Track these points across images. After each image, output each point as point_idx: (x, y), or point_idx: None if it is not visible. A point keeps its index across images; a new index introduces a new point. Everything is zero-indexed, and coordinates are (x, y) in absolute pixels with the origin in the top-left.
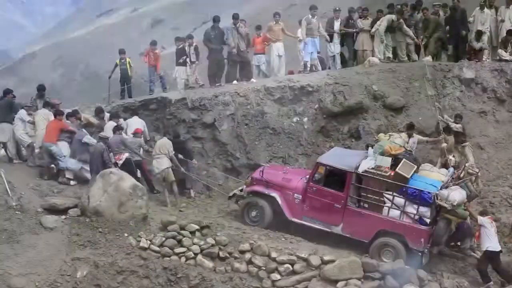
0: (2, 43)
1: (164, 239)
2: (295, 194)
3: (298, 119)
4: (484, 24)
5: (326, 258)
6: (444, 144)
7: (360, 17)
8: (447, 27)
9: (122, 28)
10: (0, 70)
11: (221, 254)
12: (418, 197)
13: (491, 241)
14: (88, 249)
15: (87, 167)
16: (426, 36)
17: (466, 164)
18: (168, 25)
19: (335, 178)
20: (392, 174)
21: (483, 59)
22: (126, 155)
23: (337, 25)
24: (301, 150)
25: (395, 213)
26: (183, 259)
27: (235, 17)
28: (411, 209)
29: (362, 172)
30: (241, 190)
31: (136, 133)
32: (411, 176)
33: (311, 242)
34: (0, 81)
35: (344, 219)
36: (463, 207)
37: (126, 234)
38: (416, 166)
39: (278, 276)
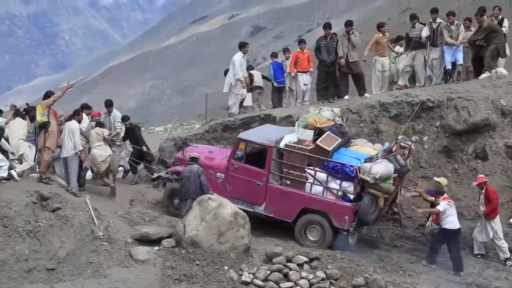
0: (85, 53)
1: (268, 272)
2: (218, 173)
3: (418, 138)
4: None
5: None
6: None
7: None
8: None
9: (218, 36)
10: (83, 83)
11: None
12: (340, 171)
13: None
14: (184, 284)
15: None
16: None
17: (399, 137)
18: (269, 34)
19: (257, 154)
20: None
21: None
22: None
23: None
24: (421, 172)
25: (317, 189)
26: None
27: (348, 24)
28: (334, 184)
29: (282, 147)
30: (167, 173)
31: (93, 117)
32: (336, 149)
33: (431, 276)
34: (82, 95)
35: (267, 198)
36: (389, 181)
37: (226, 267)
38: (340, 139)
39: None
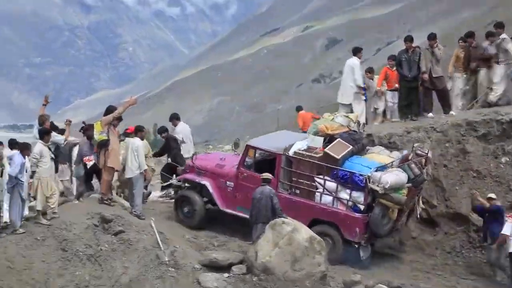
0: (149, 66)
1: None
2: (228, 182)
3: (508, 159)
4: None
5: None
6: None
7: None
8: None
9: (290, 49)
10: (147, 97)
11: None
12: (350, 180)
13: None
14: None
15: None
16: None
17: (415, 145)
18: (345, 47)
19: (266, 162)
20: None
21: None
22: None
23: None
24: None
25: (327, 199)
26: None
27: (431, 37)
28: (344, 194)
29: (291, 154)
30: (179, 180)
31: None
32: (347, 157)
33: None
34: (146, 110)
35: None
36: (402, 191)
37: None
38: (351, 147)
39: None
